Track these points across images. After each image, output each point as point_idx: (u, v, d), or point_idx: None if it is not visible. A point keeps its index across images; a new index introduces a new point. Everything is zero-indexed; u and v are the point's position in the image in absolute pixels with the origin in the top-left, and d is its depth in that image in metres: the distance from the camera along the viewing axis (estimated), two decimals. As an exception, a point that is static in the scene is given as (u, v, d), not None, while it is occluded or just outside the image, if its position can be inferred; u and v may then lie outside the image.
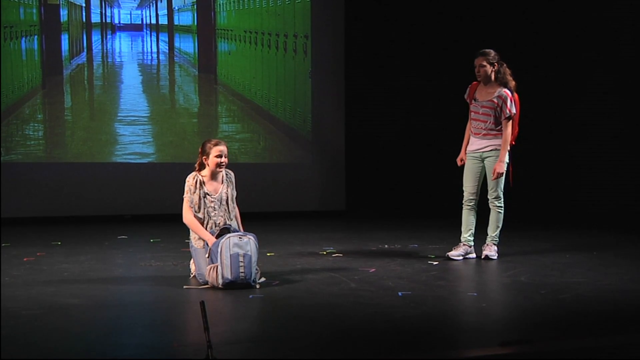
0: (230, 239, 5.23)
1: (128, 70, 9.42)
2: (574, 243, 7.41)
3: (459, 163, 6.57)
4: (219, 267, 5.21)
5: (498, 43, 10.13)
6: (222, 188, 5.65)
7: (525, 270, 6.00)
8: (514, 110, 6.32)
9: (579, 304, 4.88)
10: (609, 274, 5.87)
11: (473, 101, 6.46)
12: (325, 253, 6.81)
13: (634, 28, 9.78)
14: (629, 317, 4.58)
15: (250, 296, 5.07)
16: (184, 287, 5.36)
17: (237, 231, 5.42)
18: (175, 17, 9.54)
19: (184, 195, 5.61)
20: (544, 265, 6.23)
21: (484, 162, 6.41)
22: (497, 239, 6.48)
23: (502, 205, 6.43)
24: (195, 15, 9.52)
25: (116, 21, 9.36)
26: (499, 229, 6.46)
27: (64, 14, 9.08)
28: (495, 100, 6.33)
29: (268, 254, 6.65)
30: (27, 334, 4.17)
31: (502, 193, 6.40)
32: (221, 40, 9.59)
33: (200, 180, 5.60)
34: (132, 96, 9.39)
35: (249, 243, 5.25)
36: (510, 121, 6.31)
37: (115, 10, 9.37)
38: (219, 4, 9.58)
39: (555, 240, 7.57)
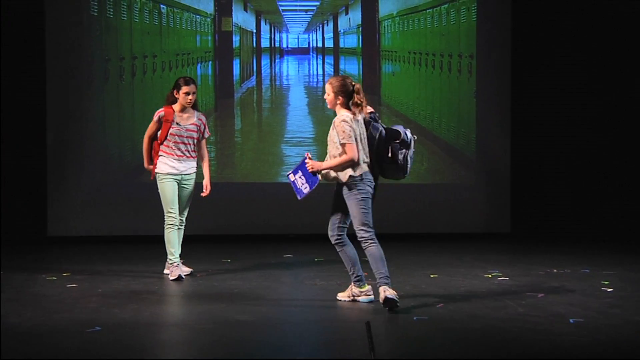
0: None
1: (295, 92, 9.69)
2: None
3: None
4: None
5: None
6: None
7: None
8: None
9: None
10: None
11: (176, 125, 6.54)
12: (490, 276, 6.66)
13: None
14: None
15: (415, 318, 5.05)
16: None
17: None
18: (341, 40, 9.72)
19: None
20: None
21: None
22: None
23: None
24: (360, 37, 9.66)
25: (284, 45, 9.69)
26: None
27: (236, 40, 9.49)
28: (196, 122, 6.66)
29: (432, 276, 6.59)
30: (199, 346, 4.36)
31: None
32: (385, 61, 9.66)
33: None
34: (298, 118, 9.65)
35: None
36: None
37: (284, 35, 9.69)
38: (384, 26, 9.67)
39: None
